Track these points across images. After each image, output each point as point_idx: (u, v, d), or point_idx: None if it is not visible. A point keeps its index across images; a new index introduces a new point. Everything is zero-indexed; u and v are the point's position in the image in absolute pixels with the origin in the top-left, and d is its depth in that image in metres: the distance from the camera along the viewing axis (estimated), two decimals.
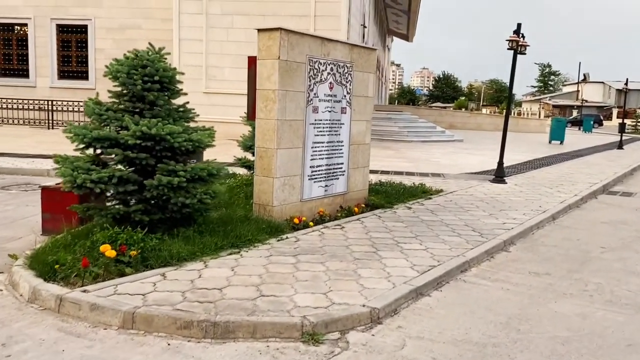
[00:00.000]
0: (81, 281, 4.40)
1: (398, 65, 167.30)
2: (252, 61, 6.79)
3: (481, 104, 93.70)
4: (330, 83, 7.17)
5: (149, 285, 4.40)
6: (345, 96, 7.48)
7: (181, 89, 5.85)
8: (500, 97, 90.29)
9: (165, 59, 5.69)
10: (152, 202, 5.47)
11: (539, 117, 43.08)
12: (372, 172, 11.06)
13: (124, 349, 3.58)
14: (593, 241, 7.09)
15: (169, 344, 3.67)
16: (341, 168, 7.63)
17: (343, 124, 7.54)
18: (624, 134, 25.75)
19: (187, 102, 6.10)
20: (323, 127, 7.18)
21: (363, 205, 7.94)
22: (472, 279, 5.30)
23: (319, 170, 7.21)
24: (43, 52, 22.19)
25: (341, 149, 7.59)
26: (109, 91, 5.64)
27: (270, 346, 3.69)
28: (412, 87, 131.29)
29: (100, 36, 21.57)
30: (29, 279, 4.46)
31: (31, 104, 21.40)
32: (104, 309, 3.94)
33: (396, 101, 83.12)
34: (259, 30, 6.42)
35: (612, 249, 6.77)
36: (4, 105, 21.44)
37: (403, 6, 33.69)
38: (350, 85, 7.54)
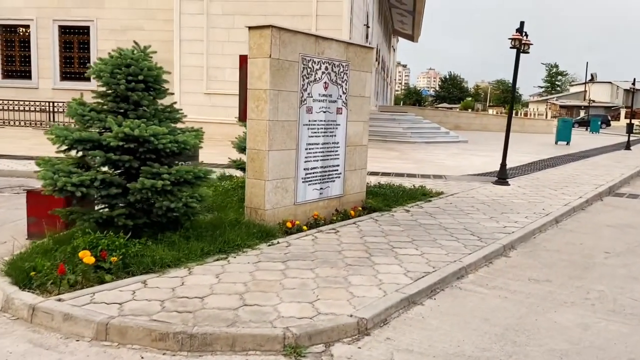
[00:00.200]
0: (57, 289, 4.22)
1: (404, 66, 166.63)
2: (243, 60, 6.60)
3: (488, 104, 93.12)
4: (325, 83, 6.96)
5: (127, 294, 4.21)
6: (341, 96, 7.27)
7: (167, 89, 5.66)
8: (507, 97, 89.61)
9: (151, 57, 5.50)
10: (137, 206, 5.29)
11: (546, 117, 42.63)
12: (372, 173, 10.87)
13: None
14: (597, 246, 6.84)
15: (142, 357, 3.48)
16: (337, 170, 7.42)
17: (339, 124, 7.33)
18: (632, 135, 25.37)
19: (175, 103, 5.93)
20: (318, 128, 6.97)
21: (360, 209, 7.72)
22: (468, 286, 5.07)
23: (313, 173, 7.00)
24: (45, 53, 22.14)
25: (337, 151, 7.38)
26: (93, 91, 5.46)
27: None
28: (419, 88, 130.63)
29: (102, 37, 21.47)
30: (3, 287, 4.29)
31: (33, 105, 21.36)
32: (77, 320, 3.75)
33: (402, 102, 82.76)
34: (249, 27, 6.23)
35: (617, 253, 6.52)
36: (7, 107, 21.39)
37: (408, 6, 33.43)
38: (346, 84, 7.33)
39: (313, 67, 6.72)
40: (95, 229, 5.09)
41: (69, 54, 22.20)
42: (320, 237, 6.23)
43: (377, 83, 34.85)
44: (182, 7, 18.93)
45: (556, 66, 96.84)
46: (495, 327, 4.16)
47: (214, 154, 12.13)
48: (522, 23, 11.05)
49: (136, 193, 5.04)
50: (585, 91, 63.30)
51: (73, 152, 5.33)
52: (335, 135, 7.28)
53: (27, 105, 21.38)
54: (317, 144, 6.99)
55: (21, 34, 22.68)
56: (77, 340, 3.66)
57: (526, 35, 10.97)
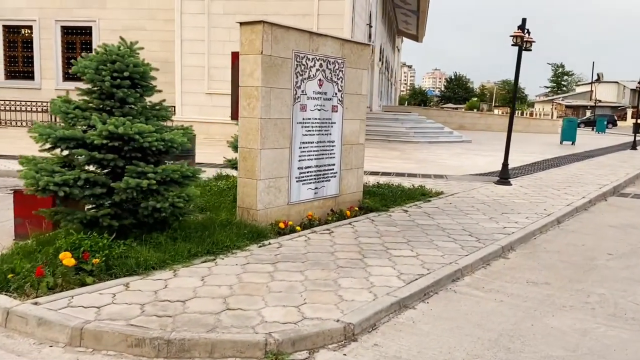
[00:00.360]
0: (35, 292, 4.08)
1: (410, 67, 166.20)
2: (235, 57, 6.45)
3: (493, 104, 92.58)
4: (320, 80, 6.80)
5: (107, 297, 4.06)
6: (336, 94, 7.11)
7: (155, 86, 5.51)
8: (512, 97, 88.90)
9: (138, 53, 5.36)
10: (124, 206, 5.15)
11: (552, 117, 42.23)
12: (372, 173, 10.70)
13: None
14: (599, 247, 6.64)
15: None
16: (332, 169, 7.26)
17: (334, 123, 7.17)
18: (638, 135, 25.03)
19: (164, 100, 5.78)
20: (312, 126, 6.81)
21: (356, 209, 7.55)
22: (463, 289, 4.89)
23: (307, 172, 6.84)
24: (48, 54, 22.12)
25: (332, 150, 7.21)
26: (77, 88, 5.33)
27: None
28: (424, 89, 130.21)
29: (104, 38, 21.38)
30: None
31: (36, 106, 21.31)
32: (51, 324, 3.60)
33: (406, 102, 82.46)
34: (241, 23, 6.08)
35: (619, 255, 6.32)
36: (9, 108, 21.37)
37: (412, 6, 33.23)
38: (341, 82, 7.17)
39: (307, 64, 6.56)
40: (80, 230, 4.95)
41: (71, 55, 22.13)
42: (313, 238, 6.07)
43: (381, 83, 34.67)
44: (183, 7, 18.84)
45: (562, 66, 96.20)
46: (489, 332, 3.99)
47: (214, 153, 12.02)
48: (524, 20, 10.85)
49: (121, 193, 4.90)
50: (592, 91, 62.76)
51: (58, 151, 5.21)
52: (330, 134, 7.12)
53: (29, 106, 21.35)
54: (311, 142, 6.83)
55: (24, 34, 22.65)
56: (51, 346, 3.51)
57: (528, 32, 10.77)
